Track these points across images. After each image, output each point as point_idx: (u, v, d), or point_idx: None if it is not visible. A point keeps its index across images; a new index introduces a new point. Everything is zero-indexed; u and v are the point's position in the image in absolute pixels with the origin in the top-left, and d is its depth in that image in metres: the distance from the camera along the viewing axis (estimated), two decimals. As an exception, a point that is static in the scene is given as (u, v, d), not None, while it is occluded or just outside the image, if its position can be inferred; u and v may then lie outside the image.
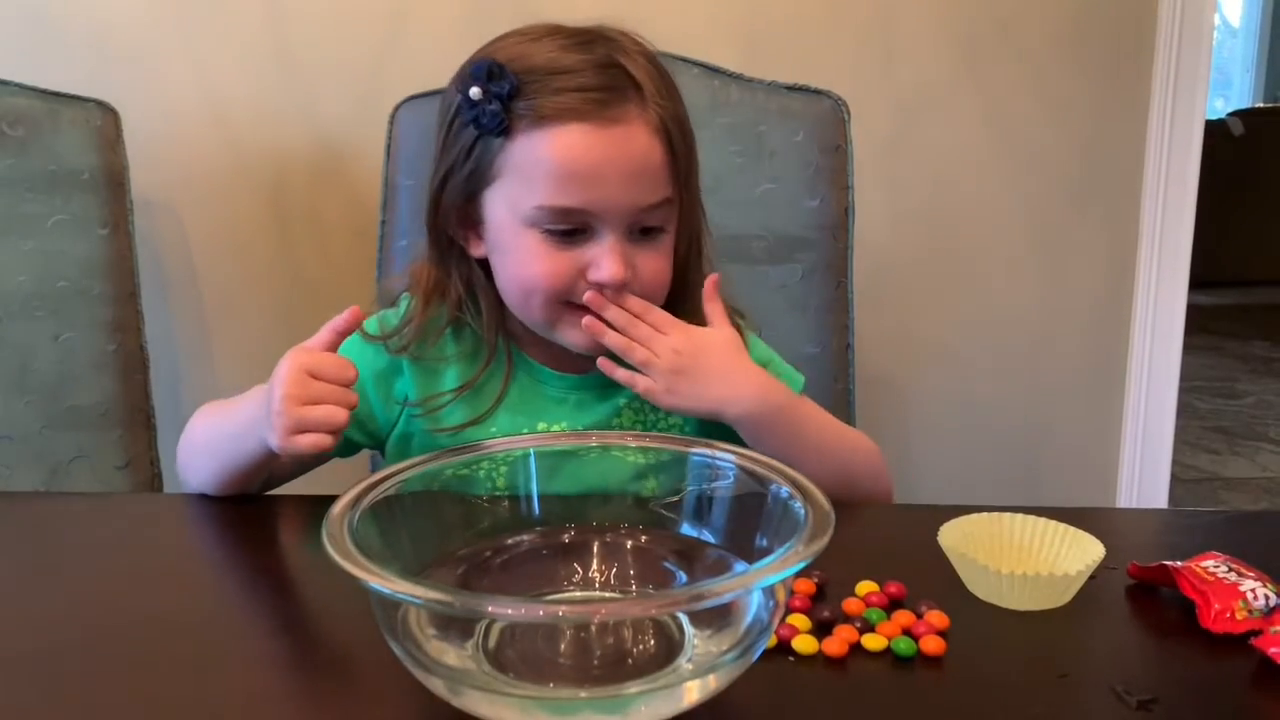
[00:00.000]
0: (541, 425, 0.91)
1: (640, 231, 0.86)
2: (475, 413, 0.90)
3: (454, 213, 0.90)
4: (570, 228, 0.84)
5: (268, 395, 0.78)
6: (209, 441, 0.88)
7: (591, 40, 0.86)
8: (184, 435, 0.92)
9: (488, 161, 0.86)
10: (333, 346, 0.79)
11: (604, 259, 0.84)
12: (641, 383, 0.87)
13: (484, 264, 0.91)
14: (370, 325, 0.92)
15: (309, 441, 0.72)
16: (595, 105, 0.83)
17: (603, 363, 0.88)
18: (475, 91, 0.83)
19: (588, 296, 0.86)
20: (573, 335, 0.88)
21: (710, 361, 0.88)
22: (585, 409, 0.93)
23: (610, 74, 0.84)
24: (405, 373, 0.91)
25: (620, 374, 0.87)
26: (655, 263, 0.88)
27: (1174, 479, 1.86)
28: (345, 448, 0.95)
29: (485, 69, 0.83)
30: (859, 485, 0.92)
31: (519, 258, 0.86)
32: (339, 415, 0.72)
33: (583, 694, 0.53)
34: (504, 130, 0.84)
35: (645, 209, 0.85)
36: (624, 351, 0.86)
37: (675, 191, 0.88)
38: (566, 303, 0.87)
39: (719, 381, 0.87)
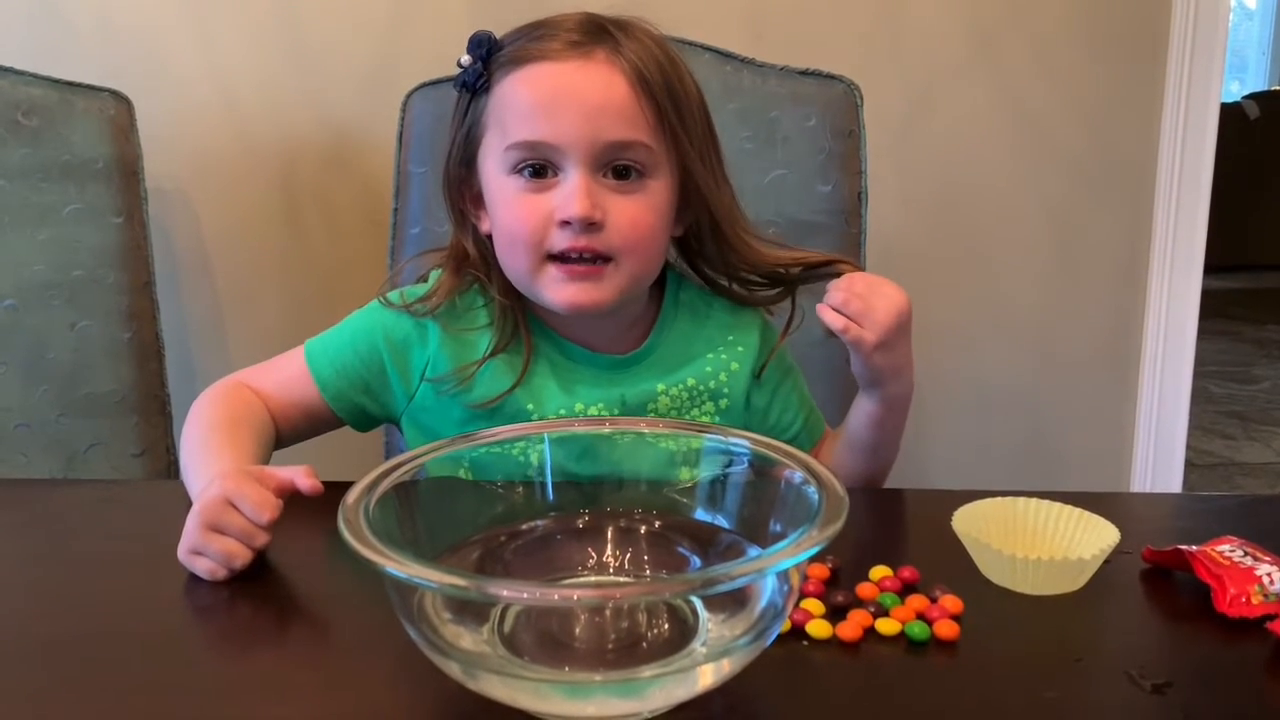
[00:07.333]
0: (579, 406, 0.91)
1: (614, 174, 0.85)
2: (504, 387, 0.89)
3: (460, 186, 0.92)
4: (538, 163, 0.85)
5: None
6: (186, 464, 0.86)
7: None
8: (184, 431, 0.89)
9: (476, 120, 0.89)
10: (280, 490, 0.74)
11: (569, 196, 0.84)
12: (853, 330, 0.86)
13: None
14: (393, 298, 0.93)
15: (203, 566, 0.70)
16: (566, 46, 0.85)
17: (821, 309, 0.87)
18: (465, 58, 0.87)
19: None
20: (551, 291, 0.87)
21: (908, 335, 0.90)
22: (619, 389, 0.92)
23: (589, 26, 0.86)
24: (431, 344, 0.91)
25: (835, 319, 0.86)
26: (632, 210, 0.86)
27: (1188, 464, 1.85)
28: (361, 420, 0.95)
29: (476, 38, 0.87)
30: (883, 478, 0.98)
31: (501, 211, 0.88)
32: (236, 559, 0.69)
33: (597, 677, 0.53)
34: (486, 86, 0.87)
35: (609, 145, 0.84)
36: (843, 305, 0.86)
37: (655, 141, 0.86)
38: (548, 256, 0.86)
39: (907, 349, 0.90)
